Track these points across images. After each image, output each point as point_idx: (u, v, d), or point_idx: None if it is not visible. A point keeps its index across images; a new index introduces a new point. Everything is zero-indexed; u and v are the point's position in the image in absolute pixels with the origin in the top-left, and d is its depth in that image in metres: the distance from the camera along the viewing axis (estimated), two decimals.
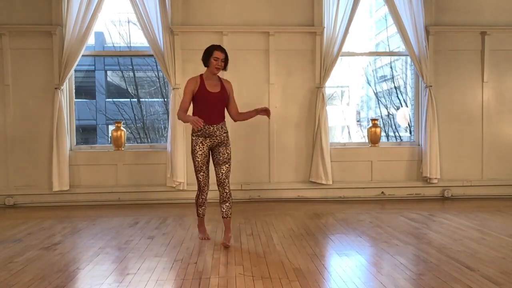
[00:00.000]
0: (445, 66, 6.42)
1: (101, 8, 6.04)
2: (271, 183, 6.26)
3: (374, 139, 6.52)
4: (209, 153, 4.08)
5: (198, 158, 4.00)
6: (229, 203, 4.12)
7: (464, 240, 4.04)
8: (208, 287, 2.94)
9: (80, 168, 6.15)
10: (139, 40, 11.65)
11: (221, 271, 3.24)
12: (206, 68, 4.04)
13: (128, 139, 7.65)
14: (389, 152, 6.49)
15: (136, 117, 12.18)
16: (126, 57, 12.32)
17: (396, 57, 12.32)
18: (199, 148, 3.99)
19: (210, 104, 3.96)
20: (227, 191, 4.11)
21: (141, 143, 11.17)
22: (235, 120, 4.27)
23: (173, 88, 6.08)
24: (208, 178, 4.14)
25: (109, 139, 10.65)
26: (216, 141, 4.02)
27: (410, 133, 10.87)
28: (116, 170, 6.19)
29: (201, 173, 4.06)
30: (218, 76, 4.13)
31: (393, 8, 6.21)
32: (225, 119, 4.11)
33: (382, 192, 6.37)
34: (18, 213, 5.65)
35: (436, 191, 6.40)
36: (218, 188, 4.12)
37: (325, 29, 6.19)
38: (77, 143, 6.42)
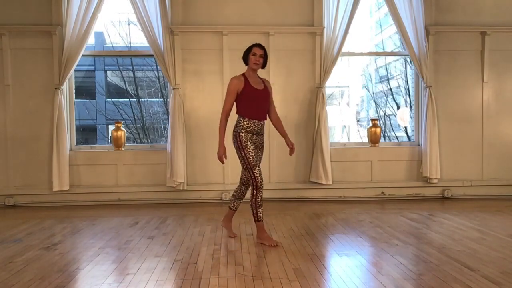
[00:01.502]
0: (445, 66, 6.42)
1: (101, 8, 6.05)
2: (271, 183, 6.26)
3: (374, 139, 6.52)
4: None
5: (251, 152, 3.91)
6: (242, 200, 4.27)
7: (464, 240, 4.04)
8: (208, 287, 2.94)
9: (80, 168, 6.15)
10: (139, 40, 11.66)
11: (221, 271, 3.24)
12: (246, 67, 4.07)
13: (128, 139, 7.65)
14: (389, 152, 6.49)
15: (136, 117, 12.19)
16: (126, 57, 12.34)
17: (396, 57, 12.34)
18: (250, 144, 3.93)
19: (257, 101, 3.97)
20: (247, 190, 4.21)
21: (141, 143, 11.17)
22: (274, 123, 4.23)
23: (173, 88, 6.08)
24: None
25: (109, 139, 10.66)
26: (259, 140, 4.04)
27: (407, 134, 10.89)
28: (116, 170, 6.19)
29: (257, 168, 3.94)
30: (258, 75, 4.13)
31: (393, 8, 6.22)
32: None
33: (382, 192, 6.37)
34: (18, 213, 5.65)
35: (436, 191, 6.40)
36: (241, 187, 4.23)
37: (325, 29, 6.19)
38: (77, 143, 6.43)
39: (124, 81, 13.48)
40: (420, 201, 6.19)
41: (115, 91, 15.44)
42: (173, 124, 6.02)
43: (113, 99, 14.53)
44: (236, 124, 4.02)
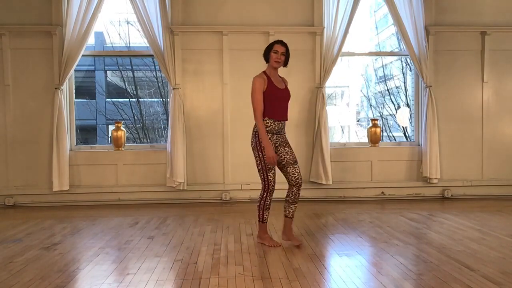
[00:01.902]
0: (445, 66, 6.42)
1: (101, 8, 6.04)
2: None
3: (374, 139, 6.52)
4: None
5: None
6: (297, 204, 4.09)
7: (464, 240, 4.04)
8: (208, 287, 2.94)
9: (80, 168, 6.15)
10: (138, 40, 11.66)
11: (221, 271, 3.24)
12: (267, 64, 3.94)
13: (128, 139, 7.65)
14: (389, 152, 6.49)
15: (135, 117, 12.19)
16: (126, 57, 12.34)
17: (396, 57, 12.34)
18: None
19: (279, 101, 3.86)
20: (300, 192, 4.06)
21: (140, 143, 11.17)
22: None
23: (173, 88, 6.08)
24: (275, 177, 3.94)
25: (109, 139, 10.66)
26: (280, 140, 3.92)
27: (405, 135, 10.88)
28: (116, 170, 6.19)
29: (272, 172, 3.89)
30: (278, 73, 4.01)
31: (393, 8, 6.21)
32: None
33: (382, 192, 6.37)
34: (18, 213, 5.64)
35: (436, 191, 6.40)
36: (292, 188, 4.01)
37: (325, 29, 6.19)
38: (77, 143, 6.42)
39: (124, 81, 13.48)
40: (420, 201, 6.19)
41: (115, 91, 15.44)
42: (173, 124, 6.02)
43: (113, 99, 14.53)
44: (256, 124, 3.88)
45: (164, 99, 11.63)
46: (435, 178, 6.27)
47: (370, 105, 13.20)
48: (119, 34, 12.31)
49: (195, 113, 6.24)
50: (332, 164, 6.22)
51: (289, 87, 3.80)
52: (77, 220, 5.08)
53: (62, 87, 5.96)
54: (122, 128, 6.36)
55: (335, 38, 6.15)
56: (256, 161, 3.89)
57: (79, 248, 3.94)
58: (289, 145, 3.98)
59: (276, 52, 3.84)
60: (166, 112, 6.87)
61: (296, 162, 3.96)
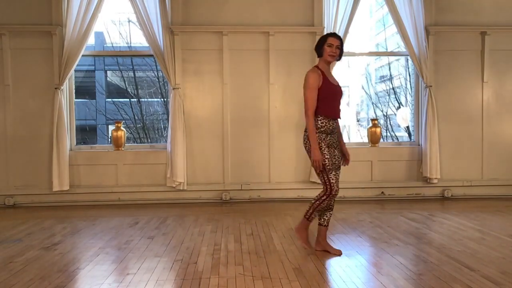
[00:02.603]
0: (445, 66, 6.42)
1: (101, 8, 6.04)
2: (271, 183, 6.26)
3: (374, 139, 6.51)
4: None
5: (327, 155, 3.52)
6: (332, 211, 3.76)
7: (464, 240, 4.04)
8: (208, 287, 2.94)
9: (80, 168, 6.15)
10: (139, 40, 11.67)
11: (221, 271, 3.24)
12: (319, 59, 3.68)
13: (128, 139, 7.65)
14: (389, 152, 6.49)
15: (136, 117, 12.20)
16: (126, 57, 12.34)
17: (396, 57, 12.34)
18: (325, 145, 3.55)
19: (333, 98, 3.61)
20: (331, 203, 3.69)
21: (141, 143, 11.17)
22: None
23: (173, 88, 6.08)
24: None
25: (109, 139, 10.66)
26: (333, 140, 3.64)
27: (409, 135, 10.88)
28: (116, 170, 6.18)
29: (333, 172, 3.55)
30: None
31: (393, 8, 6.22)
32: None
33: (382, 192, 6.36)
34: (18, 213, 5.64)
35: (436, 191, 6.40)
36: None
37: (325, 29, 6.19)
38: (77, 143, 6.42)
39: (125, 81, 13.49)
40: (420, 201, 6.19)
41: (115, 91, 15.45)
42: (173, 124, 6.02)
43: (113, 99, 14.55)
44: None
45: (164, 99, 11.64)
46: (435, 178, 6.27)
47: (373, 103, 13.18)
48: (120, 34, 12.32)
49: (195, 113, 6.24)
50: None
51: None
52: (77, 220, 5.08)
53: (62, 87, 5.96)
54: (122, 128, 6.36)
55: None
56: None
57: (79, 248, 3.94)
58: (338, 149, 3.70)
59: (330, 46, 3.58)
60: (166, 112, 6.86)
61: (339, 168, 3.67)
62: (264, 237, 4.24)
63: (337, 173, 3.61)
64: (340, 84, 3.79)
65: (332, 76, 3.70)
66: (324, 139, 3.56)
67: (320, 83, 3.54)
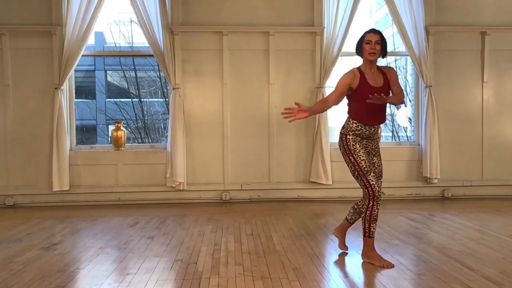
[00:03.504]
0: (445, 66, 6.42)
1: (101, 8, 6.04)
2: (271, 183, 6.26)
3: None
4: None
5: (362, 156, 3.35)
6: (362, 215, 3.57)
7: (464, 240, 4.03)
8: (208, 287, 2.94)
9: (80, 168, 6.15)
10: (139, 40, 11.67)
11: (221, 271, 3.24)
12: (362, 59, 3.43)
13: (128, 139, 7.65)
14: (389, 152, 6.47)
15: (137, 117, 12.20)
16: (126, 57, 12.34)
17: (396, 57, 12.32)
18: (360, 147, 3.37)
19: (372, 102, 3.24)
20: (379, 207, 3.50)
21: (141, 143, 11.18)
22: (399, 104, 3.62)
23: (173, 88, 6.08)
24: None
25: (109, 139, 10.66)
26: (371, 145, 3.47)
27: (406, 135, 10.87)
28: (116, 170, 6.18)
29: (372, 174, 3.36)
30: (378, 66, 3.46)
31: (393, 8, 6.21)
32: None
33: (382, 192, 6.35)
34: (18, 213, 5.65)
35: (436, 191, 6.40)
36: (365, 201, 3.54)
37: (325, 29, 6.19)
38: (77, 143, 6.42)
39: (127, 81, 13.48)
40: (420, 201, 6.19)
41: (115, 91, 15.46)
42: (173, 124, 6.02)
43: (113, 99, 14.55)
44: (344, 125, 3.47)
45: (166, 99, 11.64)
46: (435, 178, 6.27)
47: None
48: (122, 34, 12.32)
49: (195, 113, 6.24)
50: (332, 164, 6.22)
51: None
52: (77, 220, 5.08)
53: (62, 87, 5.96)
54: (122, 128, 6.36)
55: (335, 38, 6.15)
56: (350, 167, 3.45)
57: (79, 248, 3.94)
58: (379, 154, 3.52)
59: (369, 43, 3.30)
60: (167, 111, 6.86)
61: (380, 176, 3.52)
62: (264, 237, 4.24)
63: (378, 180, 3.43)
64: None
65: (378, 77, 3.40)
66: (359, 141, 3.40)
67: (355, 83, 3.33)
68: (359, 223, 4.76)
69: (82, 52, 6.05)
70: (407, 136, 11.69)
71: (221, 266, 3.37)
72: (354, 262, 3.48)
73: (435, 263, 3.38)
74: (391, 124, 12.39)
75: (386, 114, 3.51)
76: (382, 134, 7.20)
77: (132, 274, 3.23)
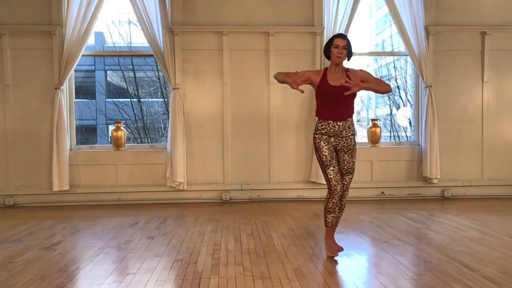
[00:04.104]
0: (445, 66, 6.42)
1: (101, 8, 6.04)
2: (271, 183, 6.26)
3: (374, 139, 6.51)
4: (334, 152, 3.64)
5: (324, 152, 3.55)
6: (342, 213, 3.78)
7: (464, 240, 4.03)
8: (208, 287, 2.94)
9: (80, 168, 6.15)
10: (139, 40, 11.66)
11: (221, 271, 3.24)
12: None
13: (128, 139, 7.66)
14: (389, 152, 6.49)
15: (136, 117, 12.20)
16: (126, 57, 12.34)
17: (396, 57, 12.33)
18: (324, 143, 3.57)
19: (332, 100, 3.55)
20: (344, 203, 3.75)
21: (141, 143, 11.18)
22: (383, 93, 3.79)
23: (173, 88, 6.08)
24: (339, 176, 3.61)
25: (109, 139, 10.66)
26: (342, 143, 3.61)
27: (406, 135, 10.88)
28: (116, 170, 6.18)
29: (331, 168, 3.55)
30: (346, 68, 3.66)
31: (393, 8, 6.21)
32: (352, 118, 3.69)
33: (382, 192, 6.36)
34: (18, 213, 5.64)
35: (436, 191, 6.40)
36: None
37: (325, 29, 6.19)
38: (77, 143, 6.42)
39: (125, 81, 13.48)
40: (420, 201, 6.19)
41: (115, 91, 15.45)
42: (173, 124, 6.02)
43: (113, 99, 14.55)
44: (315, 126, 3.70)
45: (165, 99, 11.64)
46: (435, 178, 6.27)
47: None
48: (120, 34, 12.32)
49: (195, 113, 6.24)
50: None
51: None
52: (77, 220, 5.08)
53: (62, 87, 5.96)
54: (122, 128, 6.36)
55: None
56: (319, 164, 3.66)
57: (79, 248, 3.94)
58: (350, 152, 3.65)
59: (336, 47, 3.55)
60: (167, 112, 6.87)
61: (349, 173, 3.71)
62: (264, 237, 4.24)
63: (343, 178, 3.69)
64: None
65: (339, 77, 3.56)
66: (326, 139, 3.59)
67: (316, 81, 3.62)
68: (359, 224, 4.77)
69: (82, 52, 6.05)
70: (406, 136, 11.70)
71: (221, 266, 3.37)
72: (354, 262, 3.48)
73: (435, 263, 3.38)
74: (390, 124, 12.39)
75: (352, 110, 3.66)
76: (382, 134, 7.16)
77: (132, 274, 3.23)
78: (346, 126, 3.59)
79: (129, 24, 11.92)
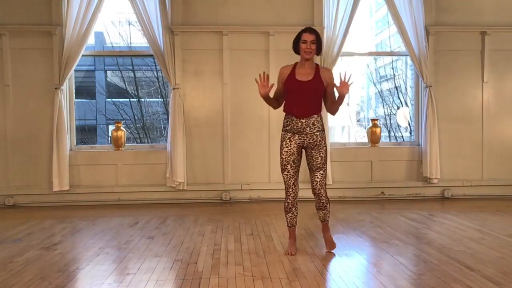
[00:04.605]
0: (445, 66, 6.42)
1: (101, 8, 6.04)
2: (271, 183, 6.26)
3: (374, 139, 6.52)
4: (299, 152, 3.63)
5: (282, 155, 3.59)
6: (326, 210, 3.70)
7: (464, 240, 4.03)
8: (208, 287, 2.94)
9: (80, 168, 6.15)
10: (139, 40, 11.67)
11: (221, 271, 3.24)
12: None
13: (128, 139, 7.65)
14: (389, 152, 6.49)
15: (136, 117, 12.20)
16: (126, 57, 12.34)
17: (396, 57, 12.33)
18: (285, 144, 3.59)
19: (298, 95, 3.49)
20: (323, 200, 3.63)
21: (141, 143, 11.18)
22: (331, 114, 3.76)
23: (173, 88, 6.08)
24: (295, 179, 3.62)
25: (109, 139, 10.67)
26: (307, 140, 3.55)
27: (410, 133, 10.88)
28: (116, 170, 6.18)
29: (285, 172, 3.60)
30: (317, 64, 3.63)
31: (393, 8, 6.22)
32: (321, 114, 3.63)
33: (382, 192, 6.36)
34: (18, 213, 5.64)
35: (436, 191, 6.40)
36: (314, 196, 3.67)
37: (325, 29, 6.19)
38: (77, 143, 6.42)
39: (124, 81, 13.48)
40: (420, 201, 6.19)
41: (115, 91, 15.45)
42: (173, 124, 6.02)
43: (113, 99, 14.55)
44: None
45: (165, 99, 11.64)
46: (435, 178, 6.27)
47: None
48: (120, 34, 12.32)
49: (195, 113, 6.24)
50: (332, 164, 6.22)
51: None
52: (77, 220, 5.08)
53: (62, 87, 5.96)
54: (122, 128, 6.36)
55: (335, 38, 6.15)
56: None
57: (79, 248, 3.94)
58: (318, 147, 3.56)
59: (305, 42, 3.47)
60: (166, 112, 6.89)
61: (319, 168, 3.58)
62: (264, 237, 4.24)
63: (315, 174, 3.61)
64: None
65: (308, 73, 3.54)
66: (289, 138, 3.60)
67: (285, 77, 3.57)
68: (359, 224, 4.77)
69: (82, 52, 6.05)
70: (402, 136, 11.70)
71: (221, 266, 3.36)
72: (354, 262, 3.48)
73: (435, 263, 3.38)
74: (389, 124, 12.39)
75: (318, 107, 3.58)
76: (382, 134, 7.17)
77: (132, 274, 3.23)
78: (310, 123, 3.53)
79: (129, 24, 11.92)
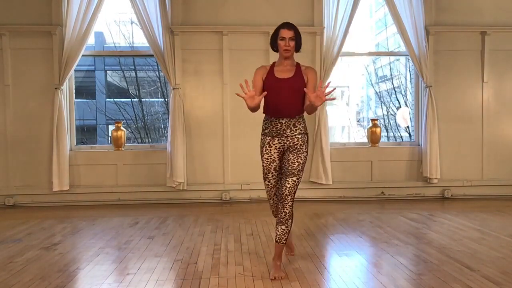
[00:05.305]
0: (445, 66, 6.42)
1: (101, 8, 6.04)
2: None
3: (374, 139, 6.52)
4: (281, 158, 3.25)
5: (263, 162, 3.26)
6: (285, 226, 3.16)
7: (464, 240, 4.04)
8: (208, 287, 2.94)
9: (80, 168, 6.15)
10: (139, 40, 11.67)
11: (221, 271, 3.24)
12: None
13: (128, 139, 7.66)
14: (389, 152, 6.49)
15: (137, 117, 12.20)
16: (126, 57, 12.35)
17: (396, 57, 12.34)
18: (265, 150, 3.24)
19: (278, 94, 3.13)
20: (287, 211, 3.15)
21: (141, 143, 11.18)
22: (307, 113, 3.27)
23: (173, 88, 6.08)
24: (277, 188, 3.32)
25: (109, 139, 10.67)
26: (287, 143, 3.19)
27: (410, 135, 10.89)
28: (116, 170, 6.18)
29: (266, 182, 3.30)
30: (297, 63, 3.35)
31: (393, 8, 6.21)
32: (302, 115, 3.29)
33: (382, 192, 6.36)
34: (18, 213, 5.64)
35: (436, 191, 6.40)
36: (278, 204, 3.23)
37: (325, 29, 6.19)
38: (77, 143, 6.42)
39: (126, 81, 13.48)
40: (420, 201, 6.19)
41: (115, 91, 15.46)
42: (173, 124, 6.02)
43: (113, 99, 14.55)
44: None
45: (165, 99, 11.65)
46: (435, 178, 6.27)
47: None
48: (122, 34, 12.33)
49: (195, 113, 6.24)
50: (332, 164, 6.22)
51: None
52: (77, 220, 5.08)
53: (62, 87, 5.96)
54: (122, 128, 6.36)
55: (335, 38, 6.14)
56: None
57: (79, 248, 3.94)
58: (296, 151, 3.17)
59: (283, 39, 3.18)
60: (167, 111, 6.89)
61: (293, 174, 3.14)
62: (264, 237, 4.24)
63: (286, 180, 3.16)
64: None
65: (288, 70, 3.23)
66: (268, 142, 3.23)
67: (264, 76, 3.22)
68: (359, 224, 4.77)
69: (82, 52, 6.05)
70: (401, 136, 11.69)
71: (221, 266, 3.37)
72: (354, 262, 3.48)
73: (435, 263, 3.38)
74: (388, 124, 12.39)
75: (300, 107, 3.20)
76: (382, 134, 7.18)
77: (132, 274, 3.23)
78: (290, 124, 3.17)
79: (132, 24, 11.92)
